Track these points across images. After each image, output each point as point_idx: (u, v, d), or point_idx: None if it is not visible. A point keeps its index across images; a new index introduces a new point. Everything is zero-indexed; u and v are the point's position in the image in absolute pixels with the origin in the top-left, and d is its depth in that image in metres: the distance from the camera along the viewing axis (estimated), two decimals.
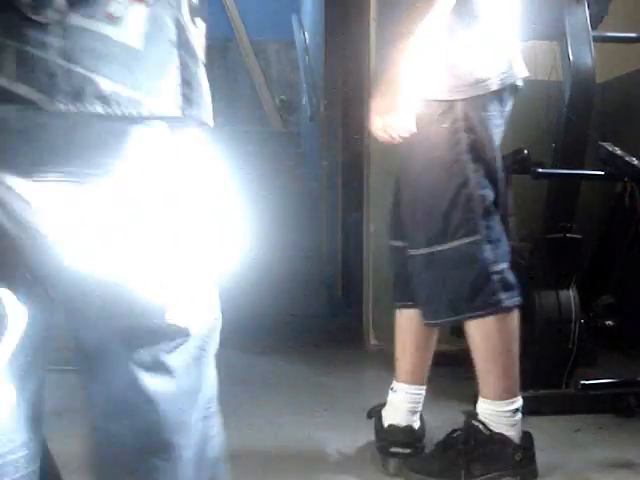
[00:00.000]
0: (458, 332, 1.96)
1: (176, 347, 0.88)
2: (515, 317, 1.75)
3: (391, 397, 1.91)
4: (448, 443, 1.78)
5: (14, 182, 0.76)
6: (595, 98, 2.38)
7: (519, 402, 1.75)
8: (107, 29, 0.76)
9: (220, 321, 0.94)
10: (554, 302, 2.34)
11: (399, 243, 1.87)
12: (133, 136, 0.77)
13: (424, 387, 1.91)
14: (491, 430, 1.72)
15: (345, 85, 4.82)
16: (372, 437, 1.94)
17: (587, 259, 2.74)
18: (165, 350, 0.87)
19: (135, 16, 0.78)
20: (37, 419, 0.91)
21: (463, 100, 1.67)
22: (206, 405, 0.94)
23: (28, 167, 0.76)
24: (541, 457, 1.77)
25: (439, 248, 1.72)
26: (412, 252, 1.78)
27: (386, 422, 1.89)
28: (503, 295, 1.70)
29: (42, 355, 0.91)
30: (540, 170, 2.27)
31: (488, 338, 1.72)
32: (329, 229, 5.19)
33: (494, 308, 1.69)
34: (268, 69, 7.46)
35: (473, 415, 1.77)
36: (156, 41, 0.80)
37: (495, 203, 1.75)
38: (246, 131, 6.50)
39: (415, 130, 1.62)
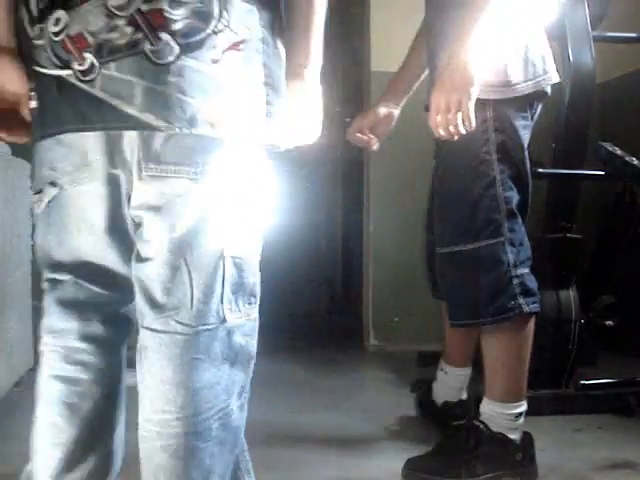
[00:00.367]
0: None
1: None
2: (531, 324, 1.74)
3: (441, 377, 2.13)
4: (449, 442, 1.79)
5: (131, 176, 1.03)
6: (595, 98, 2.38)
7: (524, 407, 1.74)
8: (211, 69, 1.00)
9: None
10: (554, 302, 2.34)
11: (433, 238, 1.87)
12: (226, 148, 1.03)
13: (469, 368, 2.10)
14: (492, 430, 1.72)
15: (345, 85, 4.82)
16: (372, 437, 1.94)
17: (587, 259, 2.74)
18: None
19: (232, 59, 1.02)
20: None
21: (495, 100, 1.65)
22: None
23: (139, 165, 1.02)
24: (541, 457, 1.77)
25: (462, 248, 1.70)
26: (438, 250, 1.78)
27: (440, 400, 2.12)
28: (522, 300, 1.68)
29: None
30: (540, 170, 2.27)
31: (502, 341, 1.71)
32: (329, 229, 5.19)
33: (512, 313, 1.67)
34: None
35: (475, 415, 1.77)
36: (248, 79, 1.04)
37: (521, 206, 1.73)
38: None
39: (475, 126, 1.55)
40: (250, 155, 1.07)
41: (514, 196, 1.71)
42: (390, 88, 2.07)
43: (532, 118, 1.77)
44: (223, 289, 1.05)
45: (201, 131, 1.00)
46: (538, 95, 1.72)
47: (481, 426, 1.73)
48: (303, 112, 1.17)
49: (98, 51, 0.99)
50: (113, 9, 0.98)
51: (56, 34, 1.01)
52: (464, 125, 1.53)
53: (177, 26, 0.98)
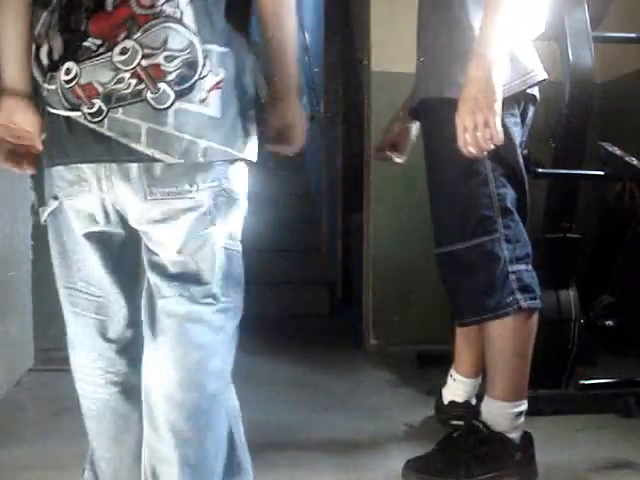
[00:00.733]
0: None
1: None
2: (533, 321, 1.75)
3: (450, 383, 2.13)
4: (448, 442, 1.79)
5: (135, 199, 1.26)
6: (595, 98, 2.38)
7: (524, 406, 1.75)
8: (200, 108, 1.23)
9: None
10: (554, 302, 2.34)
11: None
12: (216, 169, 1.27)
13: (479, 379, 2.08)
14: (491, 430, 1.72)
15: (345, 85, 4.82)
16: (372, 437, 1.94)
17: (587, 259, 2.73)
18: None
19: (215, 97, 1.24)
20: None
21: None
22: None
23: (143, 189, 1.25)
24: (541, 457, 1.77)
25: (459, 246, 1.72)
26: (436, 251, 1.79)
27: (446, 400, 2.13)
28: (520, 296, 1.69)
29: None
30: (540, 170, 2.26)
31: (503, 338, 1.72)
32: (329, 229, 5.20)
33: (510, 308, 1.69)
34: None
35: (474, 414, 1.77)
36: (229, 112, 1.26)
37: (517, 203, 1.74)
38: None
39: (502, 140, 1.55)
40: (234, 171, 1.30)
41: (508, 193, 1.72)
42: (405, 104, 2.10)
43: (524, 116, 1.78)
44: (219, 276, 1.30)
45: (194, 159, 1.23)
46: (525, 93, 1.74)
47: (481, 426, 1.73)
48: (288, 128, 1.37)
49: (107, 98, 1.21)
50: (118, 64, 1.20)
51: (67, 82, 1.22)
52: (493, 141, 1.53)
53: (171, 76, 1.21)
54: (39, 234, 2.54)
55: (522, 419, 1.74)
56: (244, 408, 1.41)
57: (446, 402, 2.13)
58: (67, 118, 1.24)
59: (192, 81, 1.22)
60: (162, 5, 1.22)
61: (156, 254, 1.31)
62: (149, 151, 1.22)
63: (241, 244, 1.35)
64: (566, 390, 2.36)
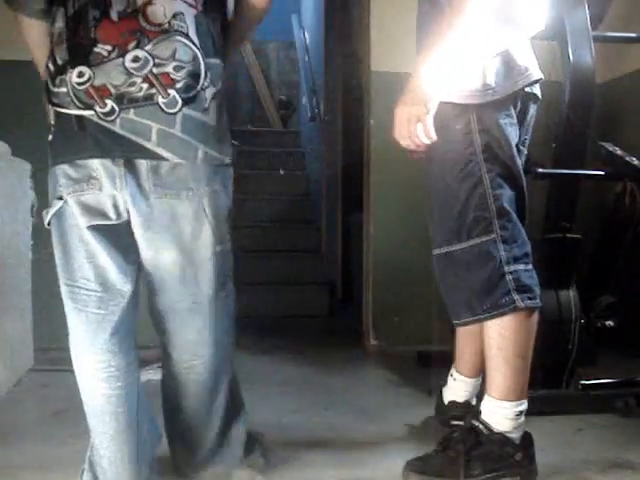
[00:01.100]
0: None
1: None
2: (533, 320, 1.75)
3: (451, 383, 2.14)
4: (448, 443, 1.78)
5: (141, 197, 1.38)
6: (595, 98, 2.38)
7: (524, 405, 1.74)
8: (202, 116, 1.39)
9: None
10: (554, 302, 2.34)
11: None
12: (211, 173, 1.42)
13: (480, 378, 2.07)
14: (491, 430, 1.72)
15: (345, 85, 4.82)
16: (372, 437, 1.94)
17: (587, 259, 2.73)
18: None
19: (213, 107, 1.41)
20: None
21: (476, 104, 1.68)
22: None
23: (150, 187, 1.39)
24: (541, 457, 1.77)
25: (455, 247, 1.73)
26: (433, 251, 1.80)
27: (446, 399, 2.13)
28: (517, 296, 1.69)
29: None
30: (540, 170, 2.26)
31: (502, 337, 1.71)
32: (329, 230, 5.19)
33: (507, 308, 1.69)
34: (268, 69, 7.46)
35: (474, 414, 1.77)
36: (221, 120, 1.43)
37: (515, 203, 1.75)
38: (246, 131, 6.50)
39: (435, 138, 1.62)
40: (224, 174, 1.47)
41: (504, 194, 1.72)
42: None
43: (522, 116, 1.80)
44: (213, 274, 1.46)
45: (194, 162, 1.38)
46: (524, 92, 1.75)
47: (481, 426, 1.73)
48: None
49: (119, 99, 1.33)
50: (131, 69, 1.32)
51: (80, 84, 1.33)
52: (425, 136, 1.60)
53: (179, 85, 1.35)
54: (39, 234, 2.54)
55: (522, 419, 1.74)
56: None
57: (446, 402, 2.13)
58: (79, 117, 1.34)
59: (195, 91, 1.37)
60: (170, 21, 1.35)
61: (153, 252, 1.42)
62: (158, 149, 1.34)
63: (232, 242, 1.50)
64: (566, 390, 2.36)
